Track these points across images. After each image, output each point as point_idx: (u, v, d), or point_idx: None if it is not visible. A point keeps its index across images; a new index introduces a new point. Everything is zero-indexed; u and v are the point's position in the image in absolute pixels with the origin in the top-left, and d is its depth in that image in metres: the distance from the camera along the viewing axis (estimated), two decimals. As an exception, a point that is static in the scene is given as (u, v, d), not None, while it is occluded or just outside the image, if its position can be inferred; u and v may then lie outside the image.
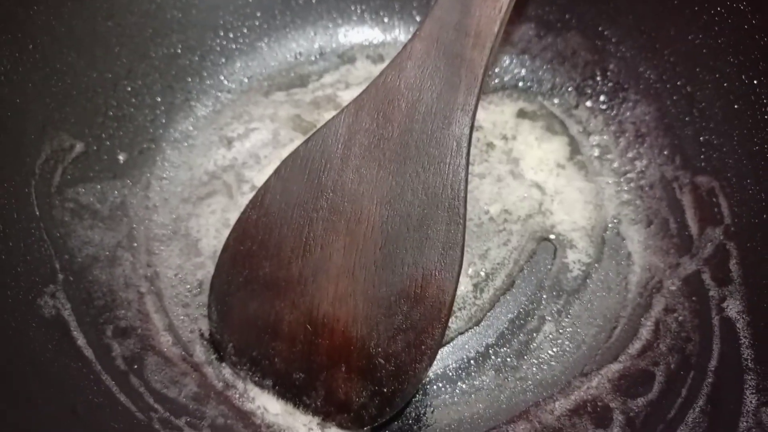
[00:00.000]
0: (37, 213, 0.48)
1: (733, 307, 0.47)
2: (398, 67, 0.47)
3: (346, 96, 0.63)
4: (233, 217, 0.52)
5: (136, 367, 0.46)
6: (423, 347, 0.44)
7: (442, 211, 0.45)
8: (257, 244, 0.46)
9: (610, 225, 0.55)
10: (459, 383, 0.49)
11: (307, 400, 0.46)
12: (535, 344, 0.50)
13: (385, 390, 0.44)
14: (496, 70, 0.64)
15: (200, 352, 0.49)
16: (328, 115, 0.59)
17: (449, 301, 0.44)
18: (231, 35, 0.64)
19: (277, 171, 0.46)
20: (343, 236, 0.45)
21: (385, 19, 0.67)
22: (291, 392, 0.46)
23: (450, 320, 0.46)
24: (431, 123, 0.46)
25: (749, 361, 0.44)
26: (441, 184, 0.45)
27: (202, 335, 0.50)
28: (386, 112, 0.46)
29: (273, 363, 0.46)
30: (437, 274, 0.44)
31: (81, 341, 0.45)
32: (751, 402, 0.41)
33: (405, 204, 0.45)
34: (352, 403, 0.45)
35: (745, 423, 0.41)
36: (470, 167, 0.57)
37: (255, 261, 0.46)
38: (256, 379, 0.47)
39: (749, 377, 0.43)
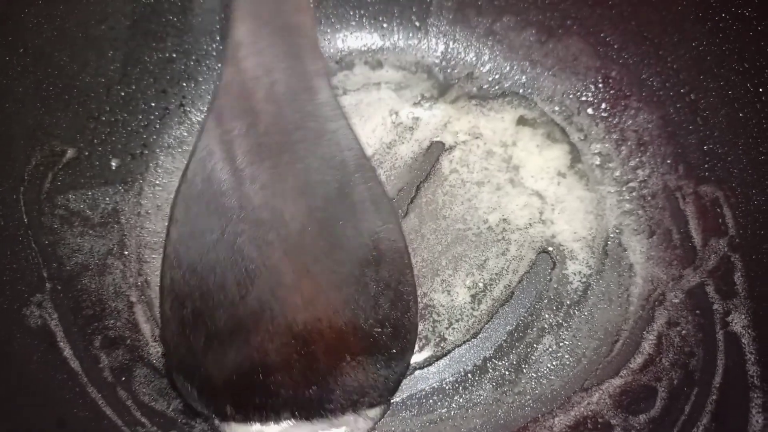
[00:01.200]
0: (26, 220, 0.47)
1: (738, 322, 0.46)
2: (233, 61, 0.45)
3: (345, 102, 0.62)
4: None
5: (124, 379, 0.45)
6: (405, 296, 0.44)
7: (353, 173, 0.44)
8: (198, 300, 0.42)
9: (611, 235, 0.54)
10: (456, 397, 0.47)
11: (330, 405, 0.44)
12: (534, 357, 0.49)
13: (394, 351, 0.44)
14: (496, 76, 0.63)
15: (190, 364, 0.48)
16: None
17: (403, 244, 0.44)
18: (227, 39, 0.62)
19: (172, 220, 0.43)
20: (278, 244, 0.43)
21: (384, 25, 0.66)
22: (310, 409, 0.44)
23: (447, 331, 0.46)
24: (297, 99, 0.44)
25: (755, 378, 0.42)
26: (339, 151, 0.44)
27: (192, 346, 0.49)
28: (248, 107, 0.44)
29: (280, 396, 0.44)
30: (380, 228, 0.44)
31: (67, 352, 0.44)
32: (757, 421, 0.40)
33: (317, 185, 0.44)
34: (372, 380, 0.44)
35: (750, 442, 0.39)
36: (469, 174, 0.57)
37: (206, 317, 0.42)
38: (272, 419, 0.44)
39: (755, 395, 0.41)
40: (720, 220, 0.50)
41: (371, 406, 0.45)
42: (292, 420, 0.44)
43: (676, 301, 0.49)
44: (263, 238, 0.43)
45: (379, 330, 0.44)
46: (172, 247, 0.42)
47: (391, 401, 0.46)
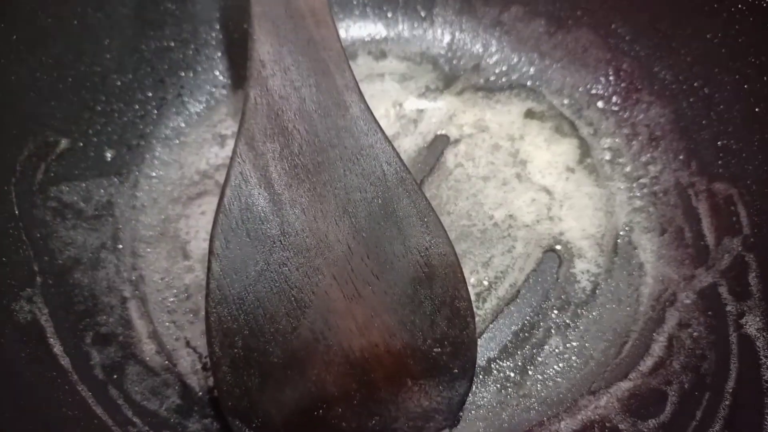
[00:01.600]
0: (17, 212, 0.46)
1: (752, 324, 0.44)
2: (258, 81, 0.44)
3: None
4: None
5: (115, 376, 0.43)
6: (461, 312, 0.42)
7: (395, 188, 0.43)
8: (249, 337, 0.40)
9: (621, 233, 0.53)
10: (458, 399, 0.46)
11: None
12: (540, 359, 0.47)
13: (456, 370, 0.42)
14: (504, 68, 0.62)
15: (185, 362, 0.46)
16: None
17: (455, 258, 0.43)
18: (227, 28, 0.61)
19: (213, 253, 0.40)
20: (326, 269, 0.41)
21: (389, 14, 0.64)
22: None
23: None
24: (329, 116, 0.43)
25: (770, 382, 0.41)
26: (378, 166, 0.43)
27: (187, 343, 0.47)
28: (279, 128, 0.43)
29: (343, 429, 0.41)
30: (430, 243, 0.42)
31: (57, 348, 0.43)
32: (772, 428, 0.38)
33: (359, 203, 0.42)
34: (436, 403, 0.42)
35: (765, 450, 0.38)
36: (474, 169, 0.56)
37: (258, 353, 0.40)
38: None
39: (770, 400, 0.40)
40: (734, 219, 0.49)
41: (437, 430, 0.43)
42: None
43: (688, 301, 0.48)
44: (309, 264, 0.41)
45: (439, 350, 0.42)
46: (215, 283, 0.40)
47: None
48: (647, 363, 0.46)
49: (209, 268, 0.40)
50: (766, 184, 0.48)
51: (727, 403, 0.41)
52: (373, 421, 0.42)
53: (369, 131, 0.44)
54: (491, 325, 0.49)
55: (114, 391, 0.43)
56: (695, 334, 0.46)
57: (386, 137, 0.44)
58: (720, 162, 0.51)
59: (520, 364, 0.47)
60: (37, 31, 0.50)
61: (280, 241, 0.41)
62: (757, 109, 0.49)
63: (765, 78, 0.49)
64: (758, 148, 0.49)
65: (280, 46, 0.45)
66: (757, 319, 0.44)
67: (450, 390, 0.42)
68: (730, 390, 0.42)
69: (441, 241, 0.43)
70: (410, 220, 0.43)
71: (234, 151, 0.42)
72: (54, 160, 0.50)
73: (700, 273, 0.48)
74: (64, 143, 0.51)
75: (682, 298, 0.48)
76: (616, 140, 0.57)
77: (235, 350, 0.40)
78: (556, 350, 0.47)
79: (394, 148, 0.44)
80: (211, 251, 0.40)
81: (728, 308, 0.46)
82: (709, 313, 0.46)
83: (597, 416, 0.44)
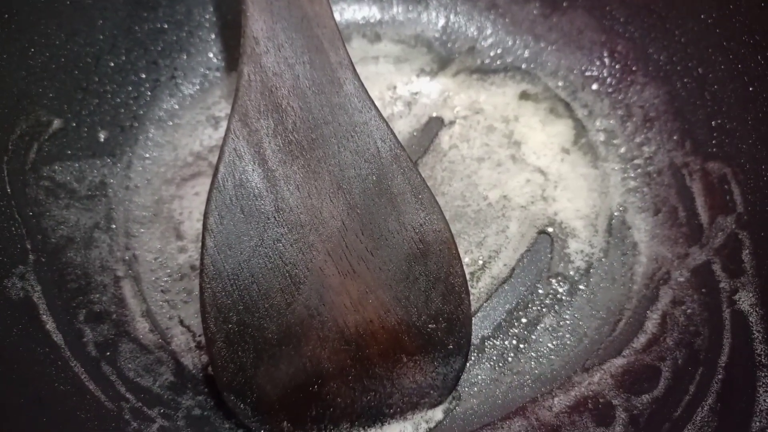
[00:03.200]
0: (9, 190, 0.46)
1: (745, 300, 0.44)
2: (252, 58, 0.43)
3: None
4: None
5: (108, 354, 0.43)
6: (456, 288, 0.42)
7: (390, 165, 0.43)
8: (243, 312, 0.40)
9: (615, 213, 0.53)
10: (452, 377, 0.46)
11: (390, 411, 0.43)
12: (533, 337, 0.47)
13: (450, 346, 0.43)
14: (498, 51, 0.62)
15: (178, 340, 0.46)
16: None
17: (449, 234, 0.43)
18: (221, 10, 0.61)
19: (207, 229, 0.40)
20: (320, 245, 0.41)
21: (383, -4, 0.64)
22: (369, 417, 0.43)
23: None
24: (323, 93, 0.43)
25: (762, 357, 0.41)
26: (372, 143, 0.43)
27: (181, 322, 0.47)
28: (273, 105, 0.42)
29: (337, 405, 0.42)
30: (424, 219, 0.42)
31: (50, 325, 0.43)
32: (764, 401, 0.39)
33: (354, 180, 0.42)
34: (431, 379, 0.43)
35: (758, 423, 0.38)
36: (469, 150, 0.56)
37: (253, 329, 0.40)
38: (331, 431, 0.42)
39: (763, 374, 0.40)
40: (727, 197, 0.49)
41: (432, 406, 0.44)
42: (352, 430, 0.43)
43: (682, 279, 0.48)
44: (304, 240, 0.41)
45: (434, 326, 0.42)
46: (209, 259, 0.40)
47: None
48: (641, 340, 0.46)
49: (203, 244, 0.40)
50: (759, 163, 0.48)
51: (720, 377, 0.41)
52: (368, 397, 0.42)
53: (363, 108, 0.44)
54: (485, 304, 0.49)
55: (107, 367, 0.43)
56: (689, 311, 0.46)
57: (380, 114, 0.44)
58: (714, 141, 0.51)
59: (514, 342, 0.47)
60: (29, 10, 0.50)
61: (275, 217, 0.41)
62: (751, 89, 0.49)
63: (758, 57, 0.49)
64: (752, 128, 0.49)
65: (273, 23, 0.45)
66: (750, 295, 0.44)
67: (445, 366, 0.42)
68: (723, 365, 0.42)
69: (435, 218, 0.43)
70: (405, 197, 0.42)
71: (228, 128, 0.42)
72: (47, 140, 0.50)
73: (693, 251, 0.49)
74: (56, 123, 0.51)
75: (676, 276, 0.48)
76: (611, 121, 0.57)
77: (230, 326, 0.40)
78: (550, 328, 0.47)
79: (388, 126, 0.44)
80: (205, 227, 0.40)
81: (722, 285, 0.46)
82: (703, 290, 0.46)
83: (590, 392, 0.44)
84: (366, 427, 0.43)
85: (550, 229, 0.52)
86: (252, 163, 0.42)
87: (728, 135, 0.50)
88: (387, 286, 0.42)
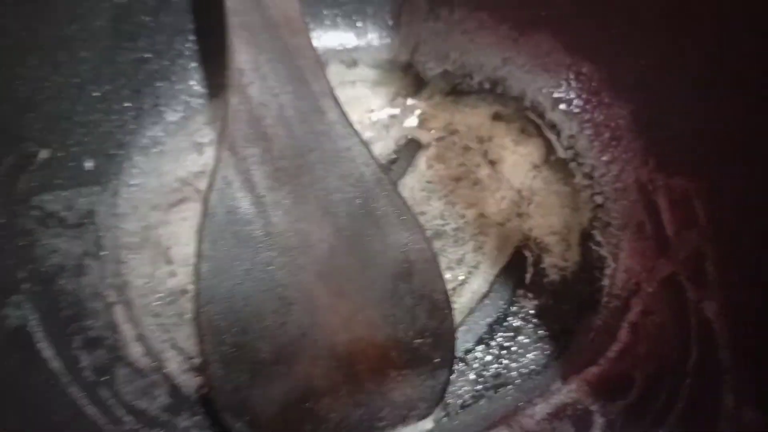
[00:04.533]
0: (0, 221, 0.47)
1: (710, 309, 0.47)
2: (237, 89, 0.46)
3: (320, 101, 0.62)
4: (205, 223, 0.51)
5: (105, 378, 0.44)
6: (440, 304, 0.45)
7: (374, 188, 0.45)
8: (237, 334, 0.42)
9: (586, 228, 0.55)
10: (437, 389, 0.48)
11: (381, 424, 0.44)
12: (514, 348, 0.49)
13: (437, 360, 0.44)
14: (470, 72, 0.64)
15: (172, 363, 0.47)
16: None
17: (432, 253, 0.45)
18: (201, 39, 0.62)
19: (200, 256, 0.42)
20: (309, 267, 0.43)
21: (358, 24, 0.66)
22: (362, 429, 0.44)
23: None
24: (307, 121, 0.45)
25: (726, 361, 0.43)
26: (356, 168, 0.45)
27: (174, 345, 0.48)
28: (259, 133, 0.45)
29: (330, 421, 0.43)
30: (408, 239, 0.45)
31: (47, 353, 0.43)
32: (729, 401, 0.41)
33: (340, 203, 0.44)
34: (419, 392, 0.44)
35: (724, 422, 0.40)
36: (446, 171, 0.58)
37: (247, 350, 0.42)
38: None
39: (727, 377, 0.43)
40: (691, 212, 0.51)
41: (421, 418, 0.45)
42: None
43: (651, 290, 0.50)
44: (294, 263, 0.43)
45: (420, 341, 0.44)
46: (204, 283, 0.42)
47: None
48: (614, 349, 0.49)
49: (198, 269, 0.41)
50: (719, 178, 0.50)
51: (688, 381, 0.44)
52: (360, 411, 0.43)
53: (346, 135, 0.46)
54: (467, 318, 0.51)
55: (105, 392, 0.44)
56: (658, 320, 0.49)
57: (363, 140, 0.46)
58: (676, 159, 0.54)
59: (495, 354, 0.49)
60: (12, 44, 0.51)
61: (265, 241, 0.43)
62: (711, 109, 0.52)
63: (717, 79, 0.52)
64: (712, 145, 0.52)
65: (257, 55, 0.47)
66: (714, 303, 0.47)
67: (432, 379, 0.44)
68: (691, 370, 0.45)
69: (418, 238, 0.45)
70: (389, 219, 0.45)
71: (217, 156, 0.44)
72: (35, 170, 0.50)
73: (661, 263, 0.51)
74: (43, 153, 0.52)
75: (645, 287, 0.51)
76: (579, 141, 0.60)
77: (225, 348, 0.41)
78: (529, 339, 0.50)
79: (370, 150, 0.46)
80: (198, 253, 0.42)
81: (688, 295, 0.48)
82: (671, 300, 0.49)
83: (570, 400, 0.46)
84: None
85: (525, 245, 0.54)
86: (241, 189, 0.43)
87: (689, 152, 0.53)
88: (375, 305, 0.44)
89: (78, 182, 0.53)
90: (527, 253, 0.54)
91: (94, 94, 0.56)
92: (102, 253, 0.51)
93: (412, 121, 0.61)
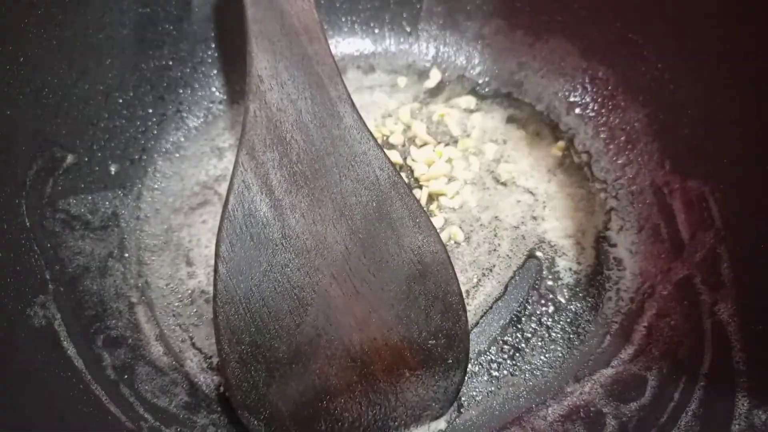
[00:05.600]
0: (28, 224, 0.48)
1: (725, 311, 0.47)
2: (256, 95, 0.47)
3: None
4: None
5: (126, 376, 0.46)
6: (454, 305, 0.45)
7: (388, 191, 0.46)
8: (255, 334, 0.43)
9: (601, 231, 0.55)
10: (451, 390, 0.48)
11: (395, 423, 0.44)
12: (527, 350, 0.50)
13: (450, 361, 0.45)
14: (486, 78, 0.65)
15: (191, 362, 0.49)
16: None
17: (446, 255, 0.45)
18: (222, 47, 0.64)
19: (218, 257, 0.43)
20: (325, 269, 0.44)
21: (376, 30, 0.67)
22: (376, 429, 0.44)
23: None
24: (324, 126, 0.46)
25: (740, 363, 0.43)
26: (371, 172, 0.46)
27: (193, 345, 0.50)
28: (278, 138, 0.46)
29: (345, 420, 0.44)
30: (422, 241, 0.45)
31: (71, 351, 0.45)
32: (743, 405, 0.41)
33: (355, 206, 0.45)
34: (433, 392, 0.45)
35: (737, 426, 0.40)
36: (462, 173, 0.58)
37: (264, 350, 0.43)
38: None
39: (741, 380, 0.43)
40: (706, 214, 0.52)
41: (434, 418, 0.46)
42: None
43: (665, 293, 0.51)
44: (310, 264, 0.44)
45: (434, 342, 0.45)
46: (222, 284, 0.43)
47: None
48: (628, 351, 0.49)
49: (216, 271, 0.42)
50: (734, 180, 0.51)
51: (702, 384, 0.44)
52: (374, 411, 0.44)
53: (362, 139, 0.47)
54: (481, 320, 0.51)
55: (125, 389, 0.45)
56: (672, 322, 0.49)
57: (378, 144, 0.47)
58: (692, 161, 0.54)
59: (508, 355, 0.50)
60: (42, 52, 0.52)
61: (282, 243, 0.44)
62: (725, 111, 0.52)
63: (731, 81, 0.52)
64: (727, 147, 0.52)
65: (276, 62, 0.48)
66: (729, 306, 0.47)
67: (445, 379, 0.45)
68: (705, 372, 0.45)
69: (432, 240, 0.45)
70: (403, 221, 0.45)
71: (236, 161, 0.45)
72: (61, 175, 0.52)
73: (675, 266, 0.51)
74: (70, 158, 0.53)
75: (660, 289, 0.51)
76: (595, 144, 0.60)
77: (243, 347, 0.42)
78: (542, 342, 0.50)
79: (385, 154, 0.47)
80: (217, 255, 0.43)
81: (702, 297, 0.48)
82: (685, 302, 0.49)
83: (582, 401, 0.47)
84: None
85: (539, 248, 0.55)
86: (260, 193, 0.45)
87: (705, 155, 0.53)
88: (389, 306, 0.44)
89: (103, 186, 0.55)
90: (541, 256, 0.54)
91: (119, 100, 0.58)
92: (125, 255, 0.53)
93: (428, 126, 0.62)
